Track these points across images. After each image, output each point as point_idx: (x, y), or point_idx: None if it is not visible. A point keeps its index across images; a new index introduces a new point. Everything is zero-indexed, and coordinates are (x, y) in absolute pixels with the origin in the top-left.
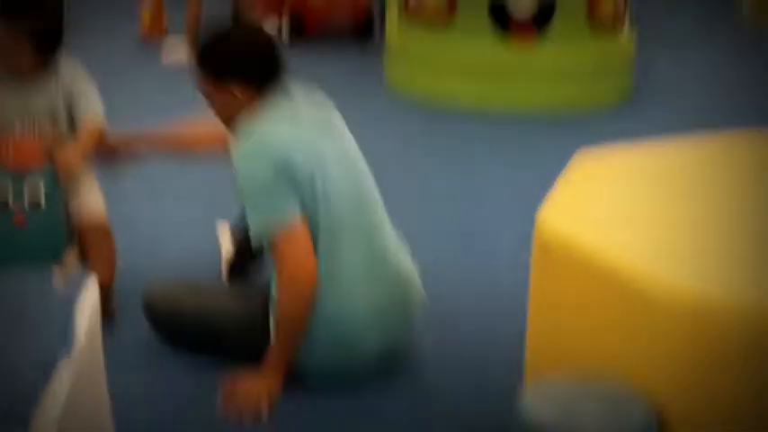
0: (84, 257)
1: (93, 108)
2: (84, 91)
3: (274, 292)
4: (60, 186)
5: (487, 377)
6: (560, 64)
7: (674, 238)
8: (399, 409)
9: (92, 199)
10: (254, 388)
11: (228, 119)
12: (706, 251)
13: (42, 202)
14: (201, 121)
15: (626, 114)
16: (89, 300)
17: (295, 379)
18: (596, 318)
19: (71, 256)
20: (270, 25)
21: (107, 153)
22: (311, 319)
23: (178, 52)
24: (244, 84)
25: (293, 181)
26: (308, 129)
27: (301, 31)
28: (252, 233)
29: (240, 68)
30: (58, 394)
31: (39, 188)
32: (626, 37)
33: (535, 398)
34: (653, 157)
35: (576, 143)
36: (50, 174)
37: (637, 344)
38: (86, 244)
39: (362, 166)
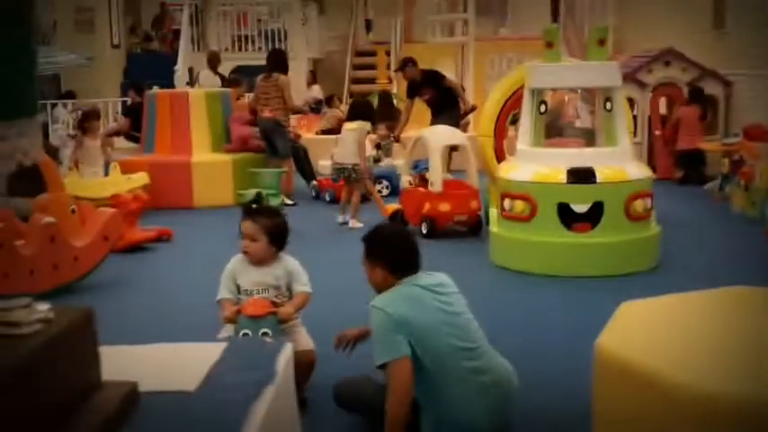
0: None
1: (302, 284)
2: (299, 273)
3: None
4: (280, 328)
5: None
6: (607, 245)
7: (698, 352)
8: None
9: (302, 336)
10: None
11: (375, 286)
12: (722, 360)
13: (269, 337)
14: None
15: (654, 278)
16: (286, 351)
17: None
18: (641, 411)
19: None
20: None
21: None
22: (446, 423)
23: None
24: (385, 267)
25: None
26: (419, 304)
27: (434, 229)
28: (375, 363)
29: (384, 257)
30: (264, 403)
31: (266, 328)
32: (653, 225)
33: None
34: (677, 303)
35: (618, 297)
36: (274, 320)
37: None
38: (297, 363)
39: (465, 317)
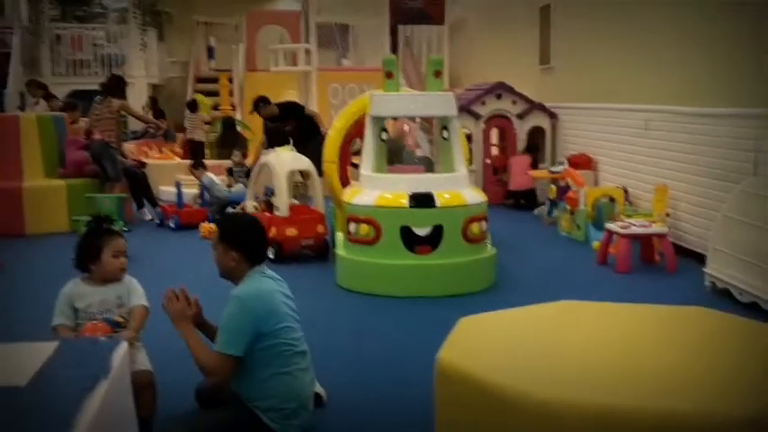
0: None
1: (139, 298)
2: (137, 288)
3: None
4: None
5: None
6: (447, 266)
7: (532, 362)
8: None
9: (140, 356)
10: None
11: (220, 264)
12: (554, 368)
13: None
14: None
15: (490, 296)
16: (120, 349)
17: None
18: (480, 419)
19: None
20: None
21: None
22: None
23: None
24: (242, 254)
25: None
26: (271, 296)
27: (281, 253)
28: (215, 347)
29: (243, 244)
30: (97, 397)
31: None
32: (488, 247)
33: None
34: (512, 317)
35: (459, 314)
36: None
37: None
38: (136, 388)
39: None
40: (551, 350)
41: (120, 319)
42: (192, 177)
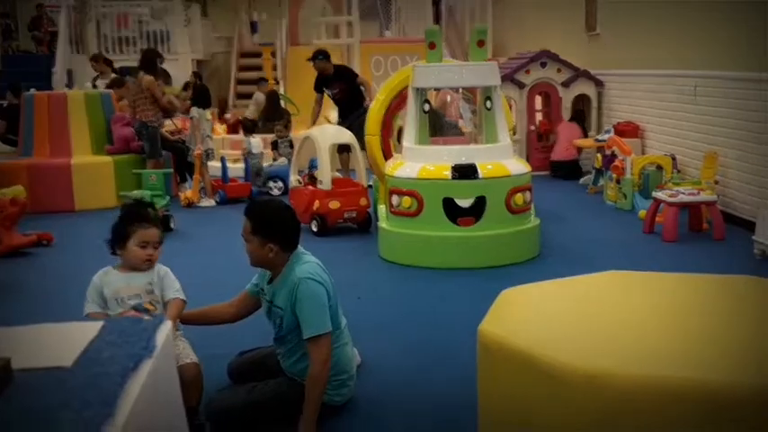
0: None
1: (175, 290)
2: (171, 279)
3: (310, 370)
4: None
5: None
6: (490, 237)
7: (578, 334)
8: None
9: (183, 349)
10: None
11: (254, 255)
12: (598, 340)
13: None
14: (222, 303)
15: (534, 267)
16: (165, 327)
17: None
18: (523, 390)
19: None
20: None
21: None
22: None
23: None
24: (279, 243)
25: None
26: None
27: (325, 226)
28: (311, 331)
29: (278, 233)
30: (142, 377)
31: None
32: (533, 217)
33: None
34: (555, 288)
35: (502, 285)
36: None
37: (554, 408)
38: (182, 380)
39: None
40: (595, 321)
41: (150, 307)
42: (236, 152)
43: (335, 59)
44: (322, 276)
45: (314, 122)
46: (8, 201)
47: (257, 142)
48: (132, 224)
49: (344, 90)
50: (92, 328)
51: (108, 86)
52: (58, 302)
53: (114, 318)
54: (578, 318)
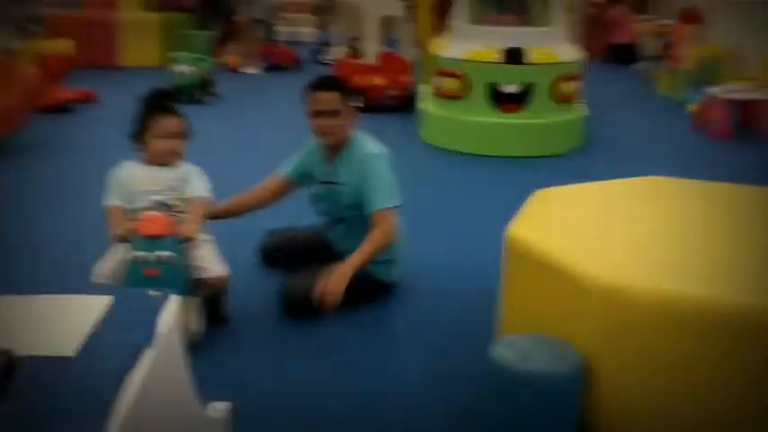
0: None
1: (199, 188)
2: (197, 175)
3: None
4: (181, 248)
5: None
6: (534, 126)
7: (606, 244)
8: (395, 332)
9: (209, 259)
10: (338, 284)
11: (344, 128)
12: (626, 251)
13: (165, 261)
14: (250, 191)
15: (576, 159)
16: (170, 310)
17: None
18: (544, 297)
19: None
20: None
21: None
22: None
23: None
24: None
25: None
26: None
27: (366, 102)
28: (384, 205)
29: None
30: (141, 371)
31: (165, 251)
32: (579, 107)
33: (502, 347)
34: (591, 192)
35: (542, 176)
36: (175, 240)
37: (573, 316)
38: (207, 297)
39: None
40: (627, 231)
41: (177, 203)
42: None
43: None
44: (386, 152)
45: None
46: (56, 55)
47: None
48: (150, 115)
49: None
50: (96, 306)
51: None
52: (95, 162)
53: (137, 222)
54: (609, 226)
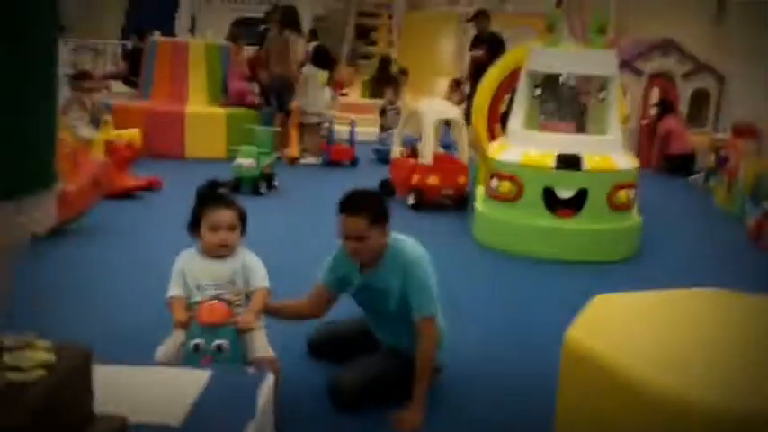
0: None
1: (261, 278)
2: (258, 266)
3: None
4: (238, 337)
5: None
6: (588, 231)
7: (668, 352)
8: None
9: (261, 344)
10: (417, 416)
11: (373, 249)
12: (687, 363)
13: (223, 348)
14: (300, 299)
15: (631, 267)
16: (266, 384)
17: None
18: (603, 406)
19: None
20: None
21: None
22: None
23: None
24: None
25: None
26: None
27: (421, 200)
28: (426, 311)
29: (387, 218)
30: None
31: (222, 339)
32: (635, 215)
33: None
34: (650, 300)
35: (596, 282)
36: (233, 330)
37: (629, 428)
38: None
39: None
40: (685, 341)
41: (234, 298)
42: (340, 115)
43: (453, 26)
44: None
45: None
46: (124, 144)
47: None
48: (202, 207)
49: (487, 54)
50: (198, 379)
51: (226, 39)
52: (155, 246)
53: (196, 311)
54: (668, 335)
